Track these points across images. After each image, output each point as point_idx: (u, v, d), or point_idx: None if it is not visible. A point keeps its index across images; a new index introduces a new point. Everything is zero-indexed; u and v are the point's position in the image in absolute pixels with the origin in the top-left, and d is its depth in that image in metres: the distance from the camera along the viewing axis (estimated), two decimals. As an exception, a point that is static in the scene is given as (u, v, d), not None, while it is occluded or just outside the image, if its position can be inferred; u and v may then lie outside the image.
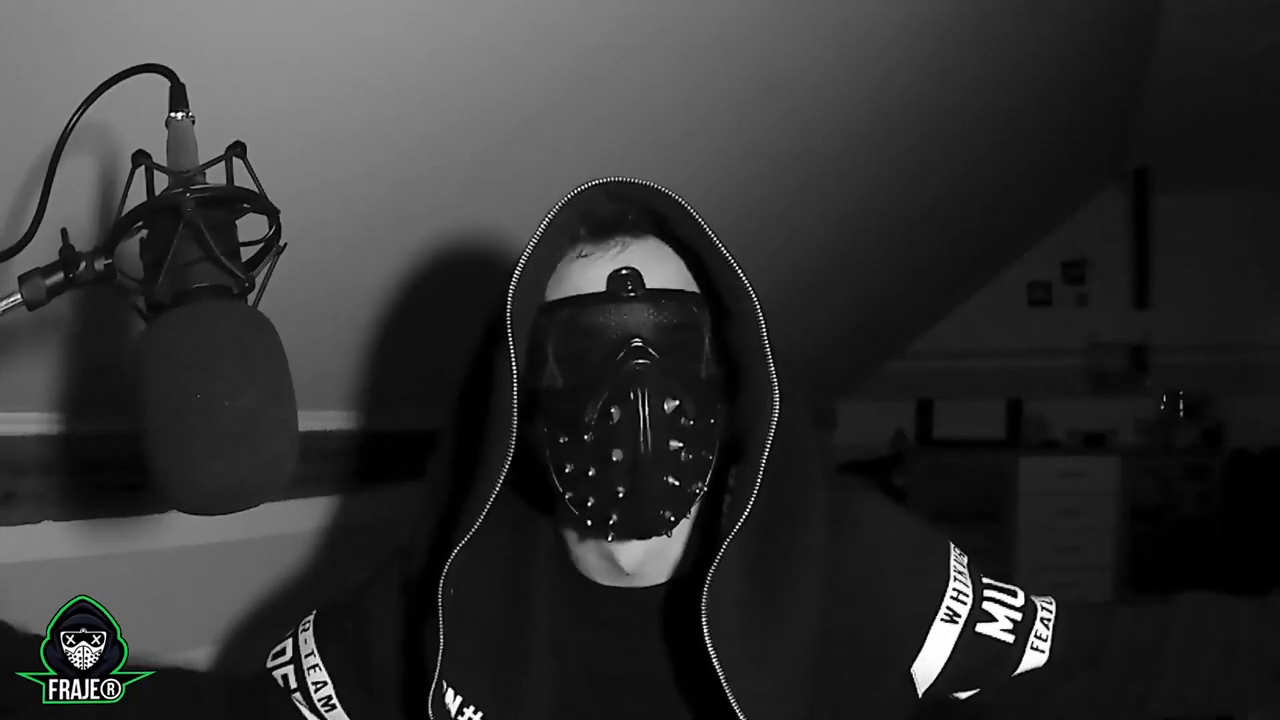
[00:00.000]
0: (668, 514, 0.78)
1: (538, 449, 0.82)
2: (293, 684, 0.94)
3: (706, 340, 0.82)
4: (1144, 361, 5.00)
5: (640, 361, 0.76)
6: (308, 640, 0.95)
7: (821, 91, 2.12)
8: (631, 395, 0.75)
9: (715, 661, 0.77)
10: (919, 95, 2.52)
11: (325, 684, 0.93)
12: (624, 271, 0.80)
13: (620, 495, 0.77)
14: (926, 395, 5.21)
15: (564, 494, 0.80)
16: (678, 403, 0.76)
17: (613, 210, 0.83)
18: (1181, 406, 4.93)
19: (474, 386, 0.86)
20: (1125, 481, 4.74)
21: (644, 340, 0.77)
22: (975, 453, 4.97)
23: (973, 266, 4.83)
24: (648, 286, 0.80)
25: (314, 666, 0.93)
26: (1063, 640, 0.89)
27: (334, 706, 0.93)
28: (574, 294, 0.81)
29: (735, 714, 0.77)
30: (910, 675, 0.87)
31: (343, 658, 0.93)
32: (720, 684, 0.77)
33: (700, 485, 0.81)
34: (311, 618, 0.97)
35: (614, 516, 0.78)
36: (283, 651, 0.96)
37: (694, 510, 0.85)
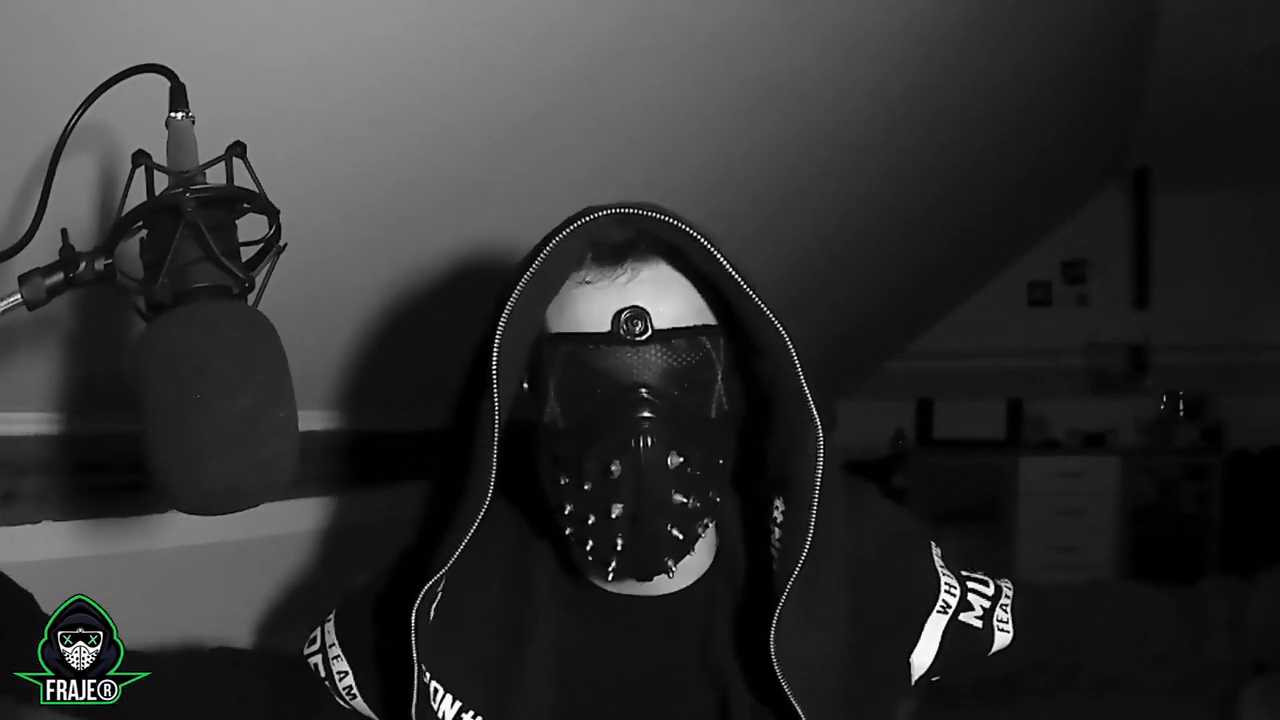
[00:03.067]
0: (669, 561, 0.77)
1: (540, 477, 0.80)
2: (321, 672, 0.96)
3: (719, 373, 0.78)
4: (1144, 361, 5.00)
5: (645, 414, 0.73)
6: (330, 631, 0.96)
7: (821, 91, 2.12)
8: (633, 446, 0.72)
9: (790, 697, 0.77)
10: (919, 96, 2.52)
11: (347, 673, 0.94)
12: (628, 313, 0.74)
13: (620, 547, 0.75)
14: (926, 395, 5.21)
15: (564, 529, 0.79)
16: (682, 458, 0.74)
17: (621, 235, 0.78)
18: (1181, 406, 4.93)
19: (469, 404, 0.82)
20: (1125, 481, 4.75)
21: (649, 389, 0.74)
22: (975, 453, 4.97)
23: (973, 266, 4.83)
24: (656, 326, 0.75)
25: (336, 657, 0.95)
26: (1019, 620, 0.92)
27: (355, 695, 0.95)
28: (577, 330, 0.76)
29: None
30: (908, 664, 0.89)
31: (361, 649, 0.94)
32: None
33: (707, 523, 0.80)
34: (335, 608, 0.99)
35: (614, 562, 0.77)
36: (313, 640, 0.98)
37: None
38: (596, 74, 1.50)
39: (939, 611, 0.89)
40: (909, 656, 0.89)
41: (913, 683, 0.90)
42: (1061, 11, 2.70)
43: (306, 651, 0.98)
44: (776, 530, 0.82)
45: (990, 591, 0.93)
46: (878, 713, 0.88)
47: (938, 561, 0.91)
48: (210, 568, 1.63)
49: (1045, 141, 3.72)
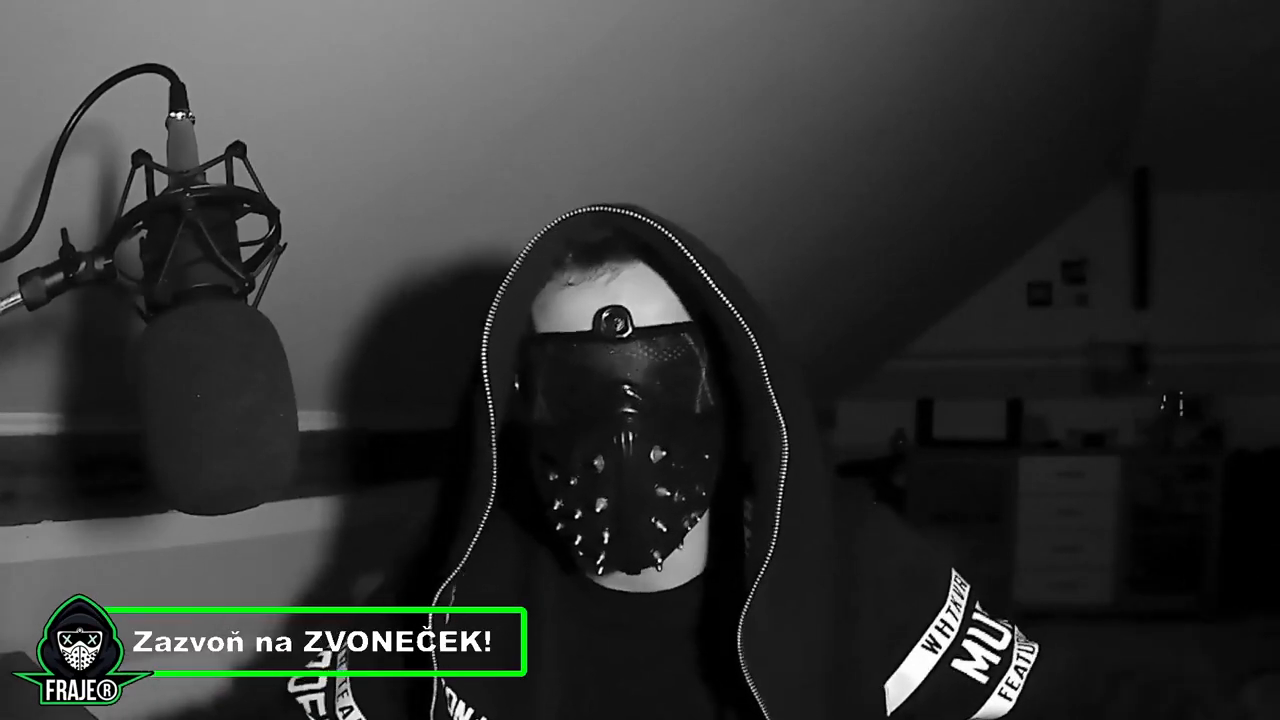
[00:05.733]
0: (655, 554, 0.78)
1: (533, 475, 0.81)
2: (321, 710, 0.93)
3: (703, 370, 0.79)
4: (1144, 361, 5.00)
5: (627, 410, 0.75)
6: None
7: (822, 92, 2.12)
8: (615, 442, 0.74)
9: (757, 696, 0.76)
10: (919, 95, 2.52)
11: (352, 709, 0.91)
12: (608, 312, 0.76)
13: (606, 539, 0.76)
14: (926, 395, 5.21)
15: (555, 525, 0.80)
16: (665, 452, 0.75)
17: (599, 236, 0.80)
18: (1181, 406, 4.93)
19: (467, 407, 0.82)
20: (1125, 481, 4.74)
21: (631, 384, 0.75)
22: (975, 453, 4.97)
23: (973, 266, 4.83)
24: (637, 324, 0.76)
25: (344, 692, 0.92)
26: (1028, 692, 0.90)
27: None
28: (561, 330, 0.78)
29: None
30: (883, 690, 0.88)
31: (368, 681, 0.91)
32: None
33: (695, 517, 0.80)
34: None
35: (601, 555, 0.78)
36: (313, 679, 0.94)
37: (701, 522, 0.84)
38: (596, 74, 1.50)
39: (925, 647, 0.87)
40: (884, 682, 0.87)
41: (888, 713, 0.88)
42: (1062, 12, 2.70)
43: (297, 689, 0.94)
44: (747, 530, 0.82)
45: (1001, 646, 0.90)
46: None
47: (952, 597, 0.90)
48: (210, 568, 1.63)
49: (1045, 141, 3.72)
